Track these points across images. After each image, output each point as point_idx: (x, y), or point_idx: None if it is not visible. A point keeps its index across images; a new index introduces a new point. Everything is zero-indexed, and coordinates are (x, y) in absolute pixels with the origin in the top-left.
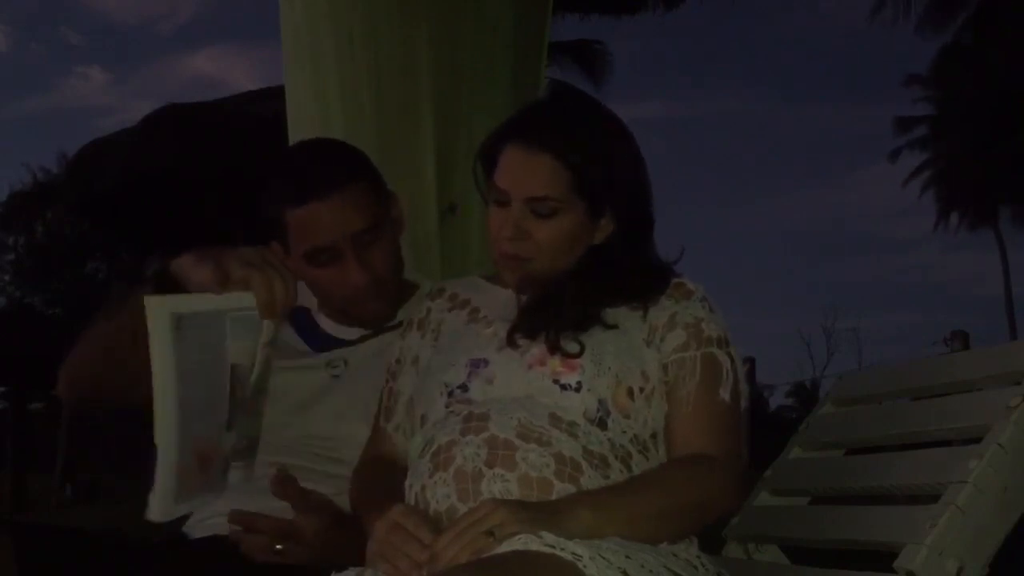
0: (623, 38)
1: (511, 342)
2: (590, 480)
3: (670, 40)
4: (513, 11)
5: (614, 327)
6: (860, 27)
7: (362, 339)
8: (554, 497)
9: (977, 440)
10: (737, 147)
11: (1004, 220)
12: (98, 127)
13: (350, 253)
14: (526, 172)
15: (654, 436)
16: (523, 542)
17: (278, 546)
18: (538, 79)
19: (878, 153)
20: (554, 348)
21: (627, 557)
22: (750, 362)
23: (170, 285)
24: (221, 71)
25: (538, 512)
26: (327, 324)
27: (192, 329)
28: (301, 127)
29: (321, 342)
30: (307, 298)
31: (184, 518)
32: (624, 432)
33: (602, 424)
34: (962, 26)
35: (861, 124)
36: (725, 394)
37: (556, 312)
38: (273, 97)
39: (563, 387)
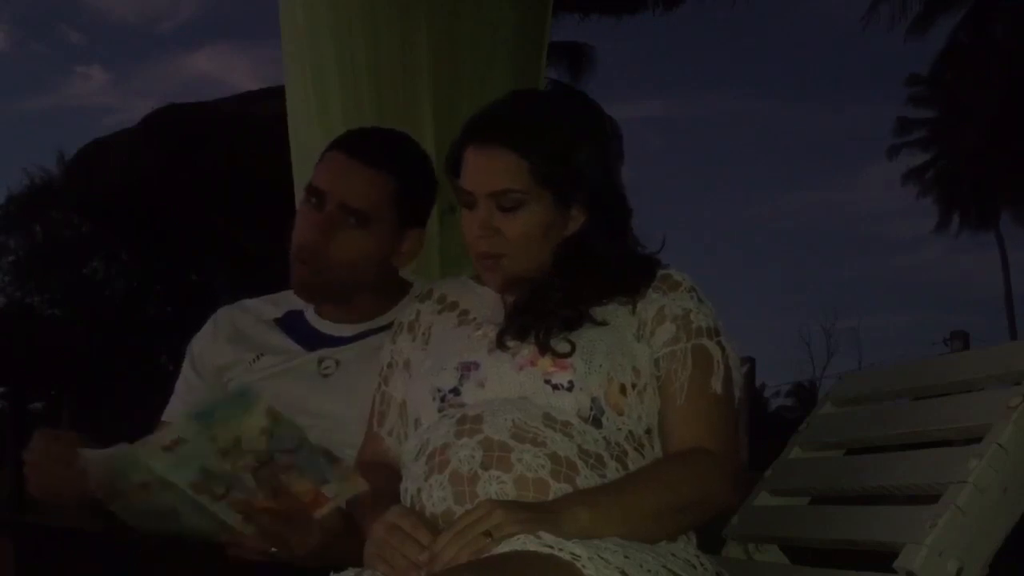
0: (623, 38)
1: (501, 345)
2: (586, 480)
3: (670, 40)
4: (513, 11)
5: (604, 324)
6: (860, 27)
7: (354, 338)
8: (551, 497)
9: (977, 440)
10: (737, 146)
11: (1004, 220)
12: (98, 127)
13: (325, 213)
14: (485, 168)
15: (649, 432)
16: (521, 542)
17: (272, 549)
18: (538, 79)
19: (878, 153)
20: (544, 349)
21: (626, 557)
22: (750, 362)
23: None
24: (221, 71)
25: (536, 512)
26: (319, 323)
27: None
28: (301, 127)
29: (312, 340)
30: (300, 301)
31: None
32: (619, 429)
33: (596, 423)
34: (961, 26)
35: (861, 124)
36: (717, 385)
37: (544, 312)
38: (273, 97)
39: (555, 387)
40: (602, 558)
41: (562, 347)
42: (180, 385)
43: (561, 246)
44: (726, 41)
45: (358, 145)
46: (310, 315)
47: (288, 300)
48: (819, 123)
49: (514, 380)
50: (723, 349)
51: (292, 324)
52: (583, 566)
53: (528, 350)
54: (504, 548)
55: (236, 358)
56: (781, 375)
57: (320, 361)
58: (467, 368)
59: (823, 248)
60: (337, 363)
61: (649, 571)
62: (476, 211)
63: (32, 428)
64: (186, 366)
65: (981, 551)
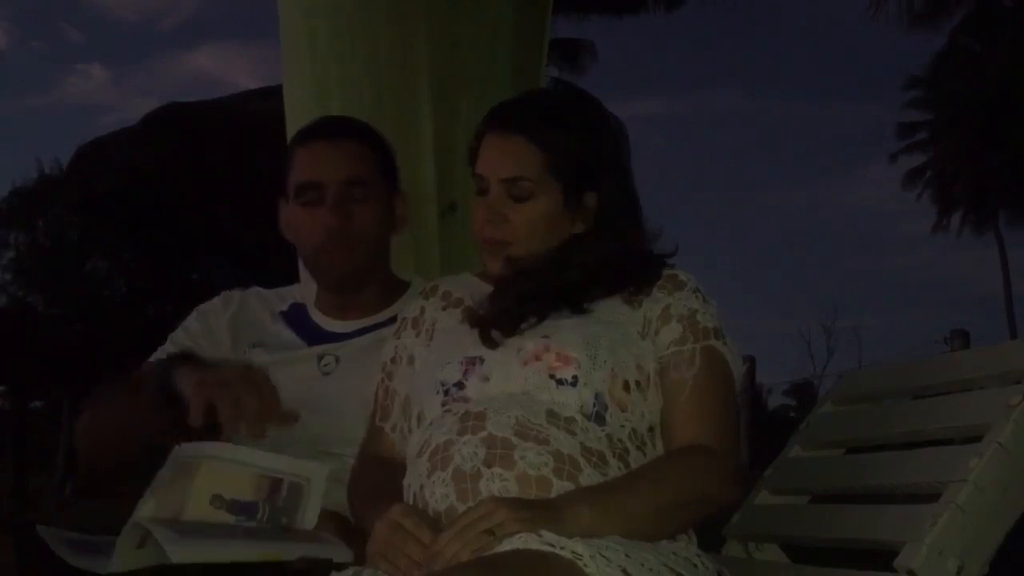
0: (624, 38)
1: (484, 336)
2: (588, 478)
3: (671, 39)
4: (513, 11)
5: (608, 321)
6: (860, 27)
7: (354, 334)
8: (553, 495)
9: (977, 439)
10: (737, 146)
11: (1004, 218)
12: (98, 125)
13: (332, 198)
14: (500, 155)
15: (651, 430)
16: (523, 541)
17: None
18: (538, 79)
19: (878, 153)
20: (515, 327)
21: (627, 556)
22: (750, 362)
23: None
24: (222, 69)
25: (538, 510)
26: (320, 318)
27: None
28: (300, 126)
29: (313, 335)
30: (302, 294)
31: None
32: (622, 427)
33: (600, 419)
34: (960, 26)
35: (861, 124)
36: (720, 385)
37: (517, 294)
38: (274, 95)
39: (559, 382)
40: (604, 556)
41: (565, 337)
42: (178, 333)
43: (568, 242)
44: (727, 40)
45: (331, 129)
46: (312, 310)
47: (292, 294)
48: (819, 122)
49: (519, 374)
50: (729, 349)
51: (295, 318)
52: (584, 565)
53: (532, 345)
54: (506, 546)
55: (233, 342)
56: (781, 374)
57: (320, 357)
58: (471, 363)
59: (823, 248)
60: (337, 359)
61: (650, 570)
62: (487, 197)
63: (32, 428)
64: (191, 319)
65: (981, 550)
